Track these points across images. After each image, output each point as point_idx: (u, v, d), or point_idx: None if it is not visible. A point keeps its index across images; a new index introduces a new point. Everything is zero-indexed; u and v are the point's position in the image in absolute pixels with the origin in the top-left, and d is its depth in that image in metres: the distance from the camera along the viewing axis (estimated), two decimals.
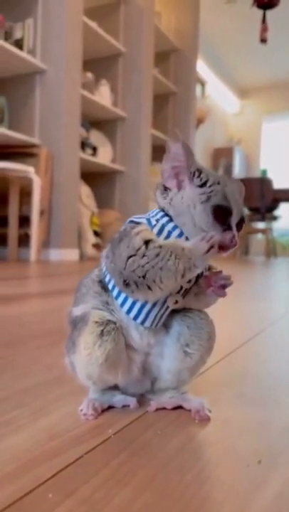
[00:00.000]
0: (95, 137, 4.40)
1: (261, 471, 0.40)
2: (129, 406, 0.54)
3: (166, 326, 0.53)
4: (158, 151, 5.08)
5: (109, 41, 4.28)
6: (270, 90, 7.89)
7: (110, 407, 0.54)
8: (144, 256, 0.46)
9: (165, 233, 0.50)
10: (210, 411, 0.52)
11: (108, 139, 4.55)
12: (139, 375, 0.54)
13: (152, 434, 0.47)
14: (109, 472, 0.39)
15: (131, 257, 0.47)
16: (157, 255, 0.46)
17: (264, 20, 4.61)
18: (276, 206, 5.98)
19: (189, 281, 0.51)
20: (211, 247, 0.46)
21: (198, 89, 6.14)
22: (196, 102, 5.66)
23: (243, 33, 6.11)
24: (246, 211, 5.76)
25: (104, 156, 4.40)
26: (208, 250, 0.46)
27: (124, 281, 0.48)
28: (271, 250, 6.05)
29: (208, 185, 0.49)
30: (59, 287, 1.89)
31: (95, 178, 4.48)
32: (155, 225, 0.50)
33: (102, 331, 0.49)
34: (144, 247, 0.47)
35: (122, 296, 0.51)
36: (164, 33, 5.09)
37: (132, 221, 0.52)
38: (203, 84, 6.95)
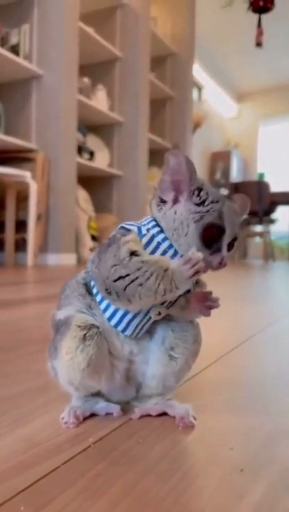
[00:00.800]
0: (92, 142, 4.40)
1: (243, 479, 0.39)
2: (112, 413, 0.52)
3: (150, 331, 0.52)
4: (155, 155, 5.08)
5: (106, 46, 4.29)
6: (267, 94, 7.91)
7: (93, 415, 0.53)
8: (125, 267, 0.45)
9: (154, 244, 0.49)
10: (195, 418, 0.51)
11: (105, 144, 4.55)
12: (122, 382, 0.53)
13: (134, 443, 0.45)
14: (85, 483, 0.38)
15: (114, 266, 0.46)
16: (138, 269, 0.45)
17: (259, 25, 4.62)
18: (273, 209, 5.98)
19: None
20: (196, 272, 0.44)
21: (194, 93, 6.15)
22: (192, 106, 5.67)
23: (238, 37, 6.13)
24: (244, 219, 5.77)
25: (102, 161, 4.40)
26: (193, 275, 0.44)
27: (106, 289, 0.47)
28: (269, 253, 6.05)
29: (206, 203, 0.48)
30: (56, 292, 1.87)
31: (93, 182, 4.47)
32: (145, 235, 0.49)
33: (85, 335, 0.48)
34: (128, 258, 0.46)
35: (105, 302, 0.50)
36: (160, 37, 5.11)
37: (122, 227, 0.51)
38: (199, 88, 6.97)
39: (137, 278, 0.45)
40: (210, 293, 0.51)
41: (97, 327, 0.49)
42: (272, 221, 6.02)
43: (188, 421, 0.50)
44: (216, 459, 0.43)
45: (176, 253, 0.49)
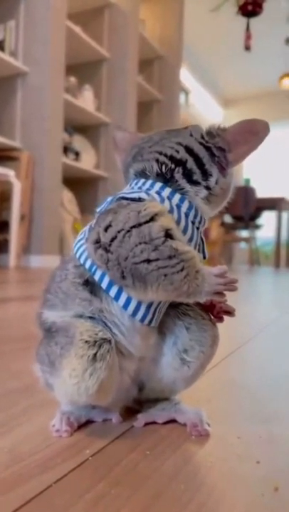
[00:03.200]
0: (78, 142, 4.31)
1: (280, 502, 0.32)
2: (111, 420, 0.44)
3: (160, 324, 0.44)
4: None
5: (93, 46, 4.21)
6: (253, 100, 7.93)
7: (88, 422, 0.44)
8: (156, 250, 0.36)
9: (174, 210, 0.40)
10: (209, 425, 0.43)
11: (91, 145, 4.46)
12: (130, 384, 0.44)
13: (140, 456, 0.38)
14: (83, 508, 0.29)
15: (141, 244, 0.37)
16: (170, 258, 0.36)
17: (248, 28, 4.63)
18: (259, 214, 5.96)
19: None
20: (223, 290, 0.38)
21: (182, 97, 6.11)
22: (179, 110, 5.63)
23: (226, 43, 6.12)
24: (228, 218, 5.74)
25: (88, 162, 4.31)
26: (219, 293, 0.38)
27: (122, 272, 0.37)
28: (254, 259, 6.02)
29: None
30: (39, 292, 1.78)
31: (78, 183, 4.37)
32: (163, 201, 0.40)
33: (95, 355, 0.38)
34: (162, 239, 0.37)
35: (115, 288, 0.40)
36: (149, 40, 5.06)
37: (123, 198, 0.41)
38: (186, 92, 6.94)
39: (165, 267, 0.36)
40: (224, 302, 0.42)
41: (109, 341, 0.39)
42: (257, 226, 5.99)
43: (202, 429, 0.42)
44: (241, 475, 0.35)
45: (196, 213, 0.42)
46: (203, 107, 7.71)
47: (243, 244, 6.56)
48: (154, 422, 0.45)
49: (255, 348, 0.87)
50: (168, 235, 0.37)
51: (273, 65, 6.26)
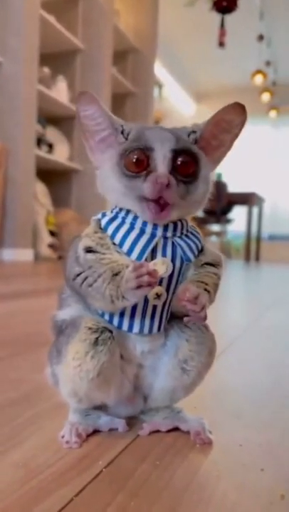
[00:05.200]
0: (52, 134, 4.25)
1: (287, 507, 0.34)
2: (117, 429, 0.46)
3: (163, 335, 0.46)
4: None
5: (67, 36, 4.14)
6: (225, 96, 7.99)
7: (95, 431, 0.46)
8: (79, 264, 0.42)
9: (125, 228, 0.43)
10: (210, 432, 0.45)
11: (65, 137, 4.41)
12: (131, 390, 0.46)
13: (150, 466, 0.39)
14: None
15: (72, 263, 0.42)
16: (90, 268, 0.41)
17: (222, 25, 4.65)
18: (230, 209, 6.05)
19: (172, 273, 0.43)
20: (140, 285, 0.38)
21: (155, 91, 6.11)
22: (153, 103, 5.62)
23: (200, 38, 6.14)
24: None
25: (61, 154, 4.25)
26: (138, 288, 0.38)
27: (71, 287, 0.44)
28: (226, 253, 6.12)
29: (129, 137, 0.42)
30: (16, 289, 1.76)
31: (51, 176, 4.32)
32: (109, 224, 0.43)
33: (97, 339, 0.40)
34: (82, 255, 0.42)
35: None
36: (123, 31, 5.02)
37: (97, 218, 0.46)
38: (160, 86, 6.94)
39: (87, 277, 0.41)
40: (191, 292, 0.40)
41: (110, 331, 0.42)
42: (228, 221, 6.09)
43: (206, 437, 0.44)
44: (249, 484, 0.37)
45: (135, 219, 0.43)
46: (176, 101, 7.73)
47: (214, 238, 6.65)
48: (158, 431, 0.46)
49: (239, 350, 0.90)
50: (88, 251, 0.41)
51: (246, 62, 6.33)
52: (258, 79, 6.18)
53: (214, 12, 4.45)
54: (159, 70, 6.26)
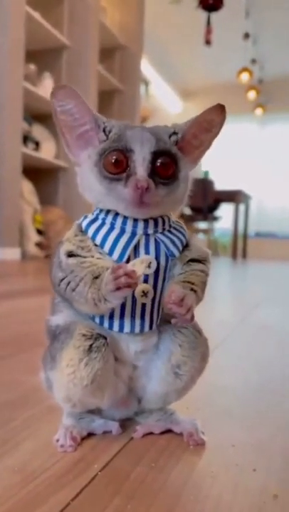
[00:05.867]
0: (38, 132, 4.21)
1: (282, 507, 0.35)
2: (110, 431, 0.46)
3: (158, 341, 0.46)
4: None
5: (53, 33, 4.11)
6: (212, 93, 8.01)
7: (89, 434, 0.46)
8: (61, 270, 0.42)
9: (106, 228, 0.43)
10: (203, 433, 0.46)
11: (52, 134, 4.38)
12: (125, 392, 0.46)
13: (146, 468, 0.40)
14: None
15: (56, 268, 0.43)
16: (72, 272, 0.41)
17: (208, 23, 4.66)
18: (217, 206, 6.08)
19: (157, 270, 0.43)
20: (118, 287, 0.38)
21: (142, 88, 6.10)
22: (140, 101, 5.62)
23: (187, 35, 6.14)
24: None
25: (48, 152, 4.23)
26: (116, 290, 0.38)
27: (57, 292, 0.44)
28: (213, 250, 6.15)
29: (110, 136, 0.42)
30: (4, 290, 1.75)
31: (38, 174, 4.29)
32: (90, 226, 0.44)
33: (91, 346, 0.41)
34: (64, 260, 0.42)
35: None
36: (109, 28, 5.00)
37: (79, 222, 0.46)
38: (146, 83, 6.93)
39: (70, 282, 0.41)
40: (176, 295, 0.40)
41: (104, 337, 0.42)
42: (215, 218, 6.12)
43: (199, 438, 0.45)
44: (243, 484, 0.38)
45: (115, 218, 0.43)
46: (163, 99, 7.73)
47: (201, 236, 6.68)
48: (152, 433, 0.47)
49: (229, 349, 0.90)
50: (70, 255, 0.42)
51: (232, 59, 6.35)
52: (244, 77, 6.21)
53: (200, 10, 4.46)
54: (146, 68, 6.26)
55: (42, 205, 4.16)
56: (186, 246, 0.45)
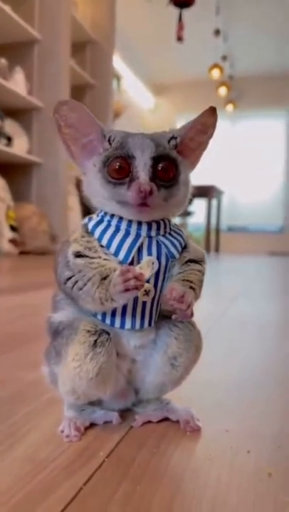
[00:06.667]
0: (10, 127, 4.16)
1: (277, 484, 0.38)
2: (111, 422, 0.49)
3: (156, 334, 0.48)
4: None
5: (24, 27, 4.06)
6: (183, 89, 8.07)
7: (90, 425, 0.48)
8: (69, 269, 0.44)
9: (111, 230, 0.45)
10: (198, 420, 0.49)
11: (24, 129, 4.33)
12: (124, 385, 0.49)
13: (148, 454, 0.42)
14: (118, 507, 0.34)
15: (63, 267, 0.45)
16: (79, 272, 0.43)
17: (180, 19, 4.69)
18: (191, 202, 6.15)
19: (158, 270, 0.45)
20: (127, 289, 0.41)
21: (113, 83, 6.08)
22: (113, 96, 5.61)
23: (159, 30, 6.16)
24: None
25: (20, 147, 4.18)
26: (125, 291, 0.41)
27: (62, 290, 0.46)
28: None
29: (112, 145, 0.45)
30: None
31: (10, 170, 4.24)
32: (96, 227, 0.46)
33: (96, 341, 0.43)
34: (72, 260, 0.44)
35: None
36: (81, 23, 4.96)
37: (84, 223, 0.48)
38: (118, 78, 6.91)
39: (77, 281, 0.43)
40: (177, 292, 0.43)
41: (108, 333, 0.44)
42: (189, 213, 6.19)
43: (195, 424, 0.48)
44: (239, 465, 0.41)
45: (120, 221, 0.45)
46: (134, 94, 7.72)
47: None
48: (150, 421, 0.49)
49: (211, 343, 0.94)
50: (77, 255, 0.44)
51: (204, 56, 6.40)
52: (215, 73, 6.28)
53: (172, 6, 4.48)
54: (118, 63, 6.24)
55: (15, 202, 4.12)
56: (184, 248, 0.48)
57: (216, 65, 6.24)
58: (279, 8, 5.64)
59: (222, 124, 8.60)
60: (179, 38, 4.70)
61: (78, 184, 5.15)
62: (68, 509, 0.33)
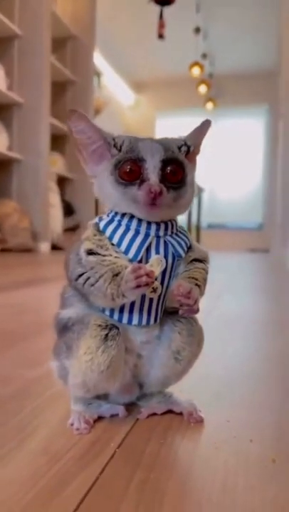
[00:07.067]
0: None
1: (282, 469, 0.40)
2: (117, 414, 0.50)
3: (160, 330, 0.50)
4: (56, 140, 4.93)
5: (4, 22, 4.01)
6: (164, 86, 8.09)
7: (98, 418, 0.50)
8: (81, 266, 0.46)
9: (122, 229, 0.47)
10: (200, 411, 0.51)
11: (4, 126, 4.28)
12: (130, 379, 0.51)
13: (156, 445, 0.44)
14: (136, 494, 0.36)
15: (75, 264, 0.47)
16: (92, 269, 0.45)
17: (161, 16, 4.70)
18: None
19: (165, 269, 0.47)
20: (139, 285, 0.43)
21: (94, 79, 6.06)
22: (94, 92, 5.59)
23: (139, 27, 6.16)
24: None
25: (0, 144, 4.14)
26: (136, 288, 0.43)
27: (73, 286, 0.48)
28: None
29: (122, 149, 0.47)
30: None
31: None
32: (107, 226, 0.48)
33: (107, 335, 0.45)
34: (84, 257, 0.46)
35: None
36: (61, 18, 4.93)
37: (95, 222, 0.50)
38: (98, 75, 6.88)
39: (89, 278, 0.45)
40: (184, 288, 0.45)
41: (117, 327, 0.46)
42: None
43: (198, 416, 0.50)
44: (244, 452, 0.43)
45: (130, 221, 0.47)
46: (115, 91, 7.70)
47: None
48: (155, 414, 0.51)
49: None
50: (90, 253, 0.46)
51: (184, 53, 6.42)
52: (196, 71, 6.32)
53: (153, 4, 4.49)
54: (98, 59, 6.21)
55: None
56: (189, 248, 0.50)
57: (196, 63, 6.28)
58: (258, 6, 5.71)
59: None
60: (160, 36, 4.71)
61: (59, 181, 5.09)
62: (88, 497, 0.35)
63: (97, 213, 6.08)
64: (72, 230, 5.37)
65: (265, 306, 1.55)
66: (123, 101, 8.20)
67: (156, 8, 4.66)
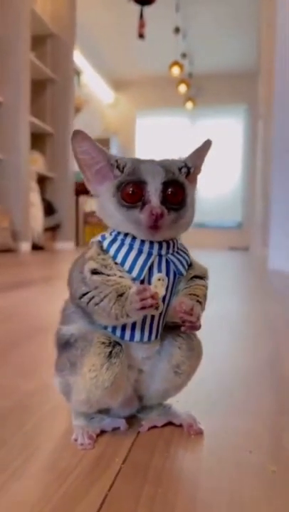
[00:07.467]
0: None
1: (282, 479, 0.42)
2: (118, 428, 0.51)
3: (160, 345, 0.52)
4: (36, 139, 4.89)
5: None
6: (143, 85, 8.09)
7: (100, 432, 0.51)
8: (85, 285, 0.47)
9: (125, 249, 0.48)
10: (199, 423, 0.53)
11: None
12: (131, 393, 0.52)
13: (161, 459, 0.45)
14: (146, 510, 0.37)
15: (78, 283, 0.47)
16: (96, 288, 0.46)
17: (141, 16, 4.70)
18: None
19: (166, 286, 0.48)
20: (144, 307, 0.44)
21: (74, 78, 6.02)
22: (74, 90, 5.56)
23: (119, 26, 6.14)
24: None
25: None
26: (141, 309, 0.44)
27: (76, 304, 0.49)
28: None
29: (124, 171, 0.48)
30: None
31: None
32: (111, 245, 0.49)
33: (111, 352, 0.46)
34: (88, 276, 0.47)
35: None
36: (40, 16, 4.88)
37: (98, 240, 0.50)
38: (78, 73, 6.85)
39: (93, 297, 0.46)
40: (187, 305, 0.47)
41: (120, 344, 0.47)
42: None
43: (198, 428, 0.52)
44: (244, 463, 0.45)
45: (133, 240, 0.48)
46: (94, 89, 7.67)
47: None
48: (155, 426, 0.53)
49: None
50: (94, 272, 0.47)
51: (164, 53, 6.45)
52: (175, 70, 6.35)
53: (133, 3, 4.48)
54: (78, 58, 6.18)
55: None
56: (189, 265, 0.51)
57: (175, 63, 6.31)
58: (237, 6, 5.76)
59: (181, 122, 8.69)
60: (141, 36, 4.73)
61: (39, 180, 5.04)
62: None
63: (77, 212, 6.05)
64: (52, 229, 5.34)
65: (250, 307, 1.58)
66: (103, 99, 8.17)
67: (136, 8, 4.67)
